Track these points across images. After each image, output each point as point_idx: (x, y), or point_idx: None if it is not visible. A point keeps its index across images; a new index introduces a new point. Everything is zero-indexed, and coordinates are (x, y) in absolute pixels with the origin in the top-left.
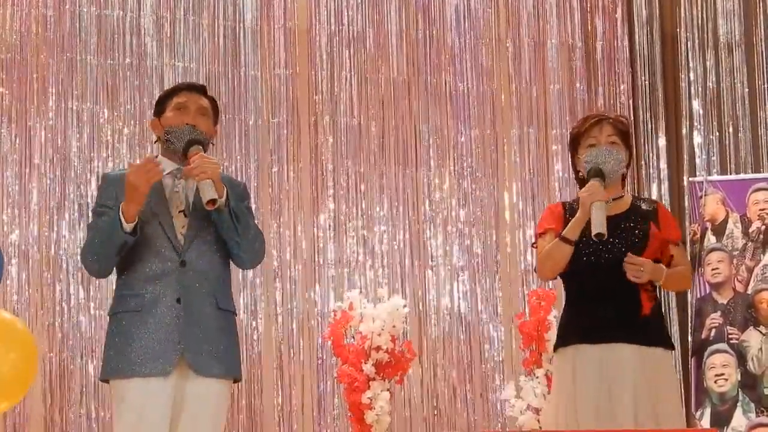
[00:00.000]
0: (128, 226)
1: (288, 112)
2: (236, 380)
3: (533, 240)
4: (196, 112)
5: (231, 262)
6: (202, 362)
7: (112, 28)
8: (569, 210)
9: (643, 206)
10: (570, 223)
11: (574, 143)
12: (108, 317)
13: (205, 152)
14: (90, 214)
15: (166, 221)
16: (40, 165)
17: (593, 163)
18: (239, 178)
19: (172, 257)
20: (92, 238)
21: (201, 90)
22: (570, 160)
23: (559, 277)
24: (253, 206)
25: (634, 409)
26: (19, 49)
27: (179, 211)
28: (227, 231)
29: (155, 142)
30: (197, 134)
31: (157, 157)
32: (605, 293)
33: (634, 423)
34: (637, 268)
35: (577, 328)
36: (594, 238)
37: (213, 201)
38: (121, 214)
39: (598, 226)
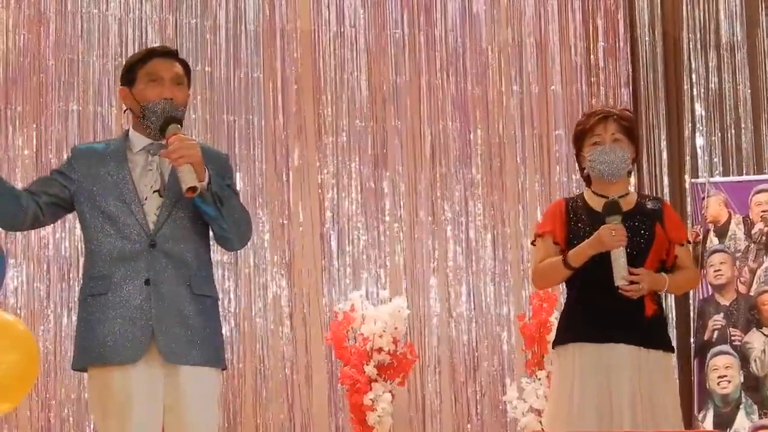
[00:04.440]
0: None
1: (292, 114)
2: (223, 369)
3: (533, 238)
4: (171, 82)
5: (210, 245)
6: (177, 349)
7: (114, 30)
8: (572, 208)
9: (649, 205)
10: (577, 249)
11: (579, 140)
12: (79, 302)
13: (180, 127)
14: None
15: (132, 200)
16: (45, 166)
17: (601, 170)
18: (244, 182)
19: (140, 238)
20: None
21: (174, 55)
22: (575, 156)
23: None
24: (259, 210)
25: (632, 410)
26: (22, 51)
27: (154, 191)
28: (210, 215)
29: (125, 111)
30: (174, 111)
31: (128, 130)
32: (609, 293)
33: (632, 424)
34: (635, 287)
35: (579, 327)
36: (618, 287)
37: (193, 189)
38: None
39: (620, 279)
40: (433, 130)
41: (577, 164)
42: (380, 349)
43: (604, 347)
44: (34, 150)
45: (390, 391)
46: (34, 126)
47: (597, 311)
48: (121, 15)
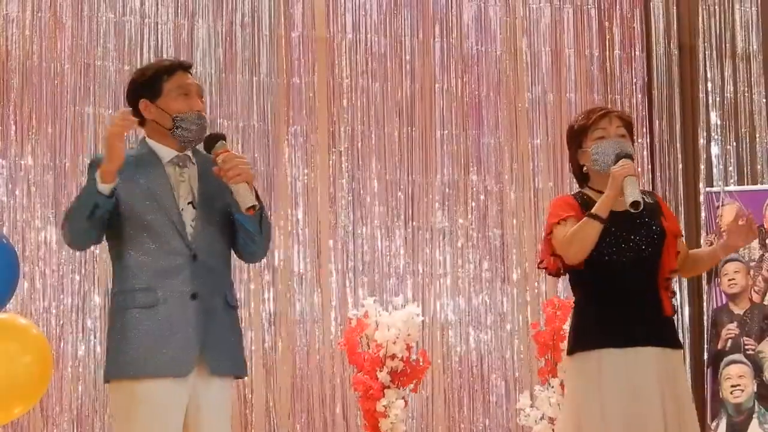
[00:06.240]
0: (103, 188)
1: (306, 120)
2: (243, 377)
3: (548, 230)
4: (197, 96)
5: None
6: (220, 361)
7: (130, 35)
8: (581, 202)
9: (648, 200)
10: (599, 202)
11: (579, 136)
12: (112, 314)
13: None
14: None
15: (173, 212)
16: (60, 170)
17: (608, 163)
18: (258, 187)
19: (183, 251)
20: (69, 206)
21: (190, 68)
22: (570, 155)
23: (568, 279)
24: (271, 216)
25: (663, 413)
26: (38, 55)
27: (188, 203)
28: (251, 231)
29: (140, 124)
30: (207, 124)
31: (144, 139)
32: (628, 294)
33: (664, 428)
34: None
35: (601, 332)
36: (630, 209)
37: (253, 207)
38: (97, 175)
39: (634, 195)
40: (446, 136)
41: (572, 165)
42: (393, 356)
43: (630, 351)
44: (50, 154)
45: (403, 398)
46: (50, 130)
47: (619, 314)
48: (137, 20)
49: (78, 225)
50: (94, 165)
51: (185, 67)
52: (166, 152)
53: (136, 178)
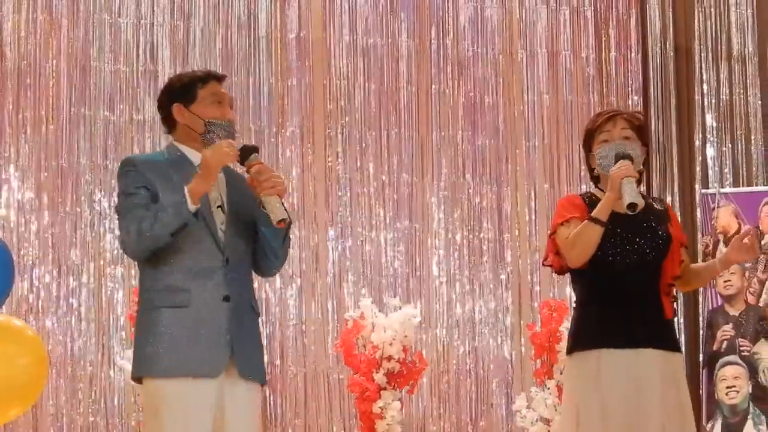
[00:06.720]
0: (194, 208)
1: (302, 122)
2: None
3: (552, 229)
4: (229, 105)
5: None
6: (249, 365)
7: (125, 36)
8: (588, 202)
9: (657, 206)
10: (599, 205)
11: (588, 140)
12: (142, 312)
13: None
14: (120, 200)
15: (207, 216)
16: (55, 171)
17: (609, 166)
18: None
19: (216, 254)
20: (140, 218)
21: (224, 80)
22: (585, 158)
23: (570, 278)
24: None
25: (663, 414)
26: (33, 56)
27: (217, 206)
28: (275, 245)
29: (170, 130)
30: (237, 133)
31: (172, 143)
32: (629, 295)
33: (662, 429)
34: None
35: (602, 332)
36: (628, 210)
37: (284, 220)
38: (187, 194)
39: (632, 197)
40: (443, 138)
41: (587, 167)
42: (390, 358)
43: (631, 353)
44: (45, 155)
45: (399, 399)
46: (45, 131)
47: (620, 315)
48: (132, 21)
49: (161, 241)
50: (129, 167)
51: (219, 78)
52: (196, 156)
53: (172, 179)
